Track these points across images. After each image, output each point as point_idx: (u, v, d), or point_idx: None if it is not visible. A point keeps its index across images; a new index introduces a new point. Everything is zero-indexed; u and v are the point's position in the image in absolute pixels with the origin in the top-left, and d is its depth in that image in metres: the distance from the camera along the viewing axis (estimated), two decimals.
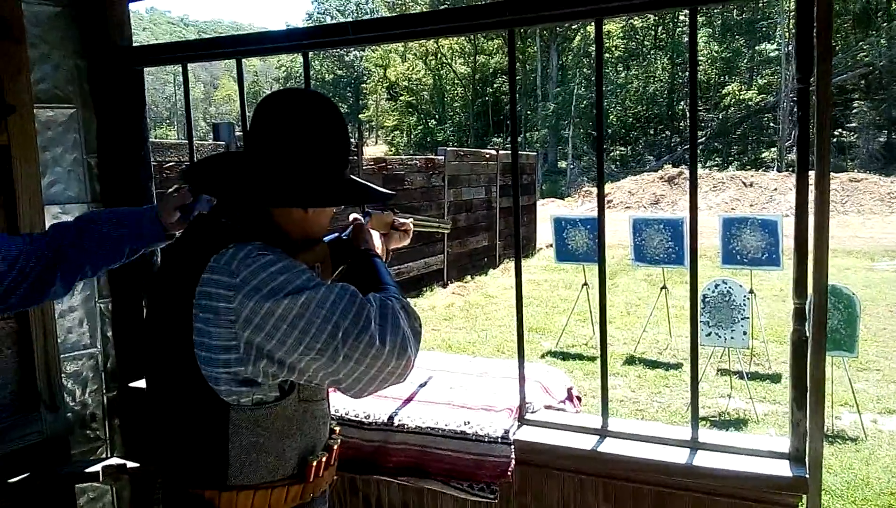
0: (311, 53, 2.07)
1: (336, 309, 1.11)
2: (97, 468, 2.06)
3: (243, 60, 2.11)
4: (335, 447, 1.37)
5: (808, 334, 1.54)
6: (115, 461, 2.09)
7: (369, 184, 1.37)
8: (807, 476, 1.53)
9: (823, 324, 1.49)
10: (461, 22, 1.77)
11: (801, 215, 1.52)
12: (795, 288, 1.55)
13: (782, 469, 1.57)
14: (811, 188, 1.48)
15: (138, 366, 2.36)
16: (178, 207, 1.63)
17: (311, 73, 1.99)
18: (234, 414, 1.16)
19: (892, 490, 4.27)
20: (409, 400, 2.01)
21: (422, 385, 2.12)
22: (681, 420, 5.39)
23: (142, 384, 2.33)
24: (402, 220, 1.78)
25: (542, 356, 7.24)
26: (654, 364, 6.85)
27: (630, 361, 6.99)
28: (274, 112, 1.24)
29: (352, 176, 1.36)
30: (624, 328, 7.63)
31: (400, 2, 40.79)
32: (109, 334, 2.34)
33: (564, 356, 7.30)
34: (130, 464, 2.04)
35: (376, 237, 1.57)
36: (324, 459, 1.31)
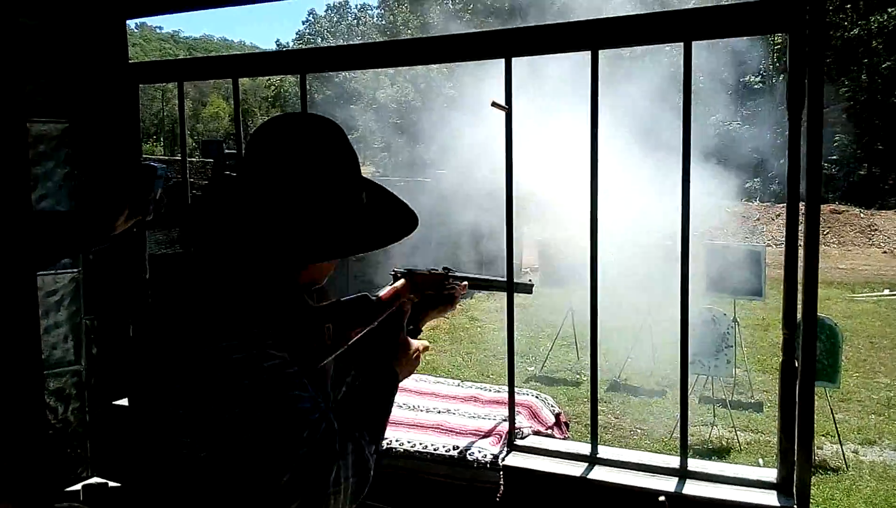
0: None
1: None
2: (77, 487, 2.03)
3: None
4: None
5: (797, 364, 1.55)
6: (95, 480, 2.06)
7: (398, 203, 1.22)
8: (794, 506, 1.53)
9: (813, 355, 1.51)
10: (460, 49, 1.80)
11: (792, 246, 1.54)
12: (784, 319, 1.57)
13: (770, 499, 1.57)
14: (801, 219, 1.51)
15: (123, 384, 2.33)
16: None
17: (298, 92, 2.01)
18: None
19: None
20: (397, 424, 1.99)
21: (410, 409, 2.11)
22: (664, 448, 5.39)
23: (125, 402, 2.30)
24: (455, 283, 1.59)
25: (527, 381, 7.23)
26: (637, 391, 6.87)
27: (614, 387, 7.00)
28: (275, 151, 1.08)
29: (370, 190, 1.21)
30: (608, 354, 7.63)
31: (391, 24, 41.12)
32: (94, 351, 2.31)
33: (549, 381, 7.30)
34: (112, 484, 2.01)
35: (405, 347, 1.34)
36: None
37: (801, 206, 1.51)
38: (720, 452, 5.43)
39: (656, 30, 1.64)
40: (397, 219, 1.20)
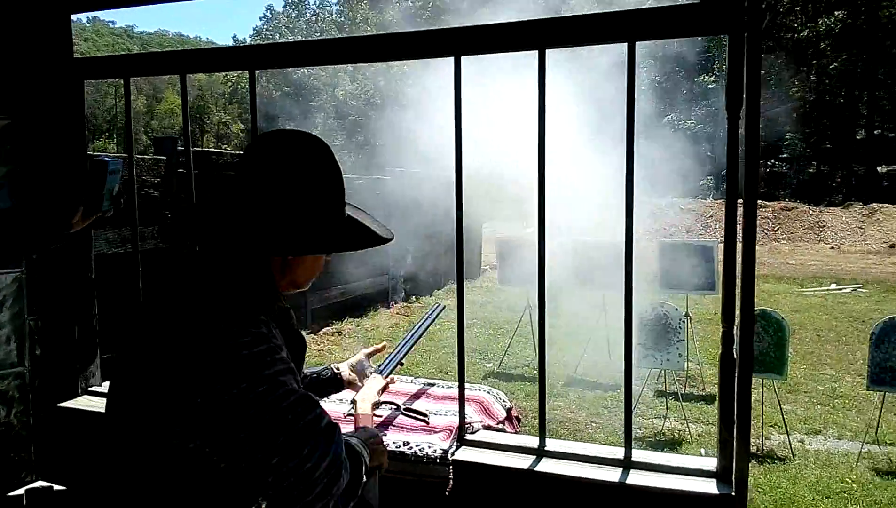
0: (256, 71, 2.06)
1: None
2: (20, 491, 1.99)
3: (188, 75, 2.10)
4: None
5: (735, 356, 1.60)
6: (40, 484, 2.01)
7: (368, 224, 1.35)
8: (732, 493, 1.59)
9: (750, 346, 1.56)
10: (410, 46, 1.81)
11: (730, 241, 1.59)
12: (724, 312, 1.62)
13: (710, 487, 1.62)
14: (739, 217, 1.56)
15: (68, 386, 2.29)
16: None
17: (258, 90, 1.99)
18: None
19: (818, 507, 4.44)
20: (347, 421, 1.99)
21: None
22: (618, 441, 5.47)
23: (71, 404, 2.25)
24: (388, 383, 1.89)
25: (485, 377, 7.28)
26: (593, 386, 6.96)
27: (570, 382, 7.08)
28: (268, 157, 1.22)
29: (352, 210, 1.36)
30: (565, 350, 7.75)
31: (349, 22, 40.86)
32: (38, 352, 2.26)
33: (506, 378, 7.36)
34: (57, 487, 1.97)
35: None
36: None
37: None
38: (672, 444, 5.54)
39: (601, 30, 1.67)
40: (369, 233, 1.33)
